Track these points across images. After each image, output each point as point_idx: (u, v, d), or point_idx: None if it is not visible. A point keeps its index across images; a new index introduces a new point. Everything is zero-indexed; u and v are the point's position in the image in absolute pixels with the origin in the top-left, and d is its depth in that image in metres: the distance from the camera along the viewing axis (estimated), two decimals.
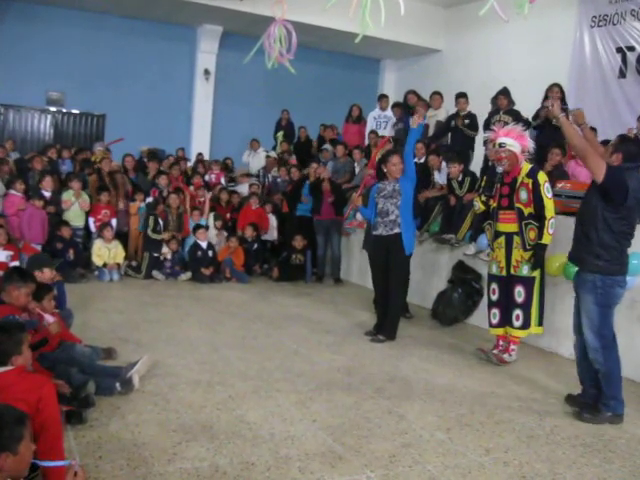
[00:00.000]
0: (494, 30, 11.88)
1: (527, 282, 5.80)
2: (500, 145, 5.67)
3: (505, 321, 5.98)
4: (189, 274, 9.28)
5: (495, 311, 6.03)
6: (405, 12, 4.98)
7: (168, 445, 3.69)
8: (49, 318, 4.68)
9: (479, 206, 6.24)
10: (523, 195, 5.64)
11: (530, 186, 5.60)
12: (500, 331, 6.06)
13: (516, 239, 5.74)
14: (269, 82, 13.91)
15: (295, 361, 5.61)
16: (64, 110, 13.88)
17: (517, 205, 5.67)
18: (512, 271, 5.82)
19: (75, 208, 9.30)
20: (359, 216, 9.35)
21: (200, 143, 14.40)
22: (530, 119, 8.60)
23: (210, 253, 9.51)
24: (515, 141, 5.66)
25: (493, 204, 5.93)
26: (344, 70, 15.69)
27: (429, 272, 8.36)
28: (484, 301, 7.44)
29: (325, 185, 9.72)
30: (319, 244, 9.97)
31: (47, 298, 4.86)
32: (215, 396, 4.57)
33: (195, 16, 13.31)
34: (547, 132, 8.29)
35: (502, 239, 5.86)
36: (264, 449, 3.75)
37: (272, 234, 10.79)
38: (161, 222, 9.47)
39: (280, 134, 13.31)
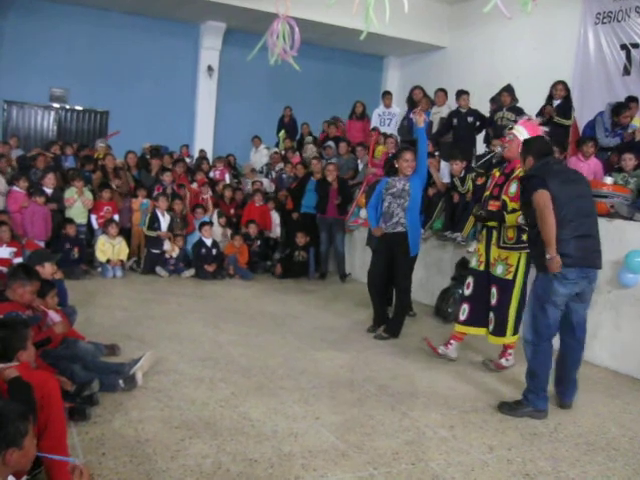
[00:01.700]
0: (498, 27, 11.85)
1: (502, 284, 5.49)
2: (509, 128, 5.49)
3: (474, 321, 5.72)
4: (192, 271, 9.27)
5: (465, 306, 5.77)
6: (409, 9, 4.95)
7: (171, 442, 3.70)
8: (54, 317, 4.69)
9: (467, 186, 6.05)
10: (512, 188, 5.36)
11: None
12: (464, 329, 5.79)
13: (494, 234, 5.52)
14: (272, 79, 13.89)
15: (298, 358, 5.62)
16: (67, 107, 13.87)
17: (503, 197, 5.41)
18: (490, 268, 5.59)
19: (78, 205, 9.32)
20: (362, 214, 9.35)
21: (203, 140, 14.38)
22: (533, 117, 8.57)
23: (214, 250, 9.51)
24: (525, 129, 5.42)
25: (486, 192, 5.69)
26: (348, 67, 15.66)
27: (432, 270, 8.36)
28: None
29: (333, 186, 9.69)
30: (322, 241, 9.97)
31: (50, 295, 4.86)
32: (218, 393, 4.58)
33: (198, 13, 13.30)
34: (550, 130, 8.24)
35: (484, 232, 5.67)
36: (267, 446, 3.75)
37: (275, 231, 10.80)
38: (161, 219, 9.46)
39: (282, 133, 13.29)
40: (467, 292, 5.77)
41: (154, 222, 9.43)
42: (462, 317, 5.77)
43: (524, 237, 5.34)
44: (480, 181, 5.94)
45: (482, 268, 5.64)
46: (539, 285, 4.58)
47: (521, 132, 5.41)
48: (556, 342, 4.78)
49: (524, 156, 4.71)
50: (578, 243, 4.42)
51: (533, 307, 4.62)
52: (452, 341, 5.86)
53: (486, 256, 5.61)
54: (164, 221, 9.49)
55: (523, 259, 5.48)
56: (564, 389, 4.88)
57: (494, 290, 5.55)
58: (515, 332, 5.64)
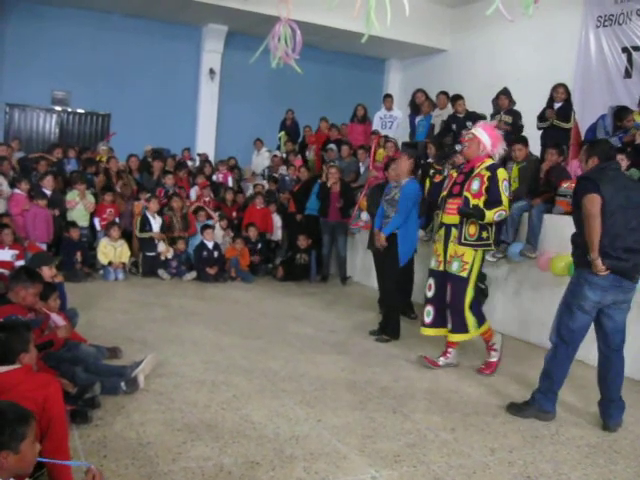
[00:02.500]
0: (499, 30, 11.86)
1: (456, 281, 5.50)
2: (468, 128, 5.50)
3: (440, 322, 5.71)
4: (194, 273, 9.28)
5: (429, 309, 5.74)
6: (410, 12, 4.96)
7: (173, 444, 3.70)
8: (57, 320, 4.69)
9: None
10: (475, 185, 5.39)
11: (485, 179, 5.36)
12: (432, 332, 5.78)
13: (454, 232, 5.50)
14: (274, 82, 13.89)
15: (300, 360, 5.62)
16: (69, 109, 13.90)
17: (465, 194, 5.41)
18: (446, 266, 5.57)
19: (80, 208, 9.33)
20: (364, 216, 9.36)
21: (205, 143, 14.41)
22: (536, 118, 8.57)
23: (215, 253, 9.51)
24: (484, 132, 5.48)
25: (444, 192, 5.68)
26: (349, 70, 15.67)
27: None
28: (488, 301, 7.45)
29: (334, 189, 9.69)
30: (324, 243, 9.97)
31: (52, 297, 4.87)
32: (220, 395, 4.58)
33: (200, 15, 13.32)
34: (550, 133, 8.28)
35: (442, 231, 5.63)
36: (269, 449, 3.75)
37: (276, 234, 10.81)
38: (152, 221, 9.46)
39: (282, 134, 13.31)
40: (429, 294, 5.73)
41: (145, 224, 9.44)
42: (428, 320, 5.75)
43: (484, 234, 5.43)
44: (437, 179, 5.97)
45: (441, 268, 5.62)
46: (570, 288, 4.54)
47: (481, 133, 5.48)
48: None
49: (587, 156, 4.56)
50: (619, 256, 4.30)
51: (561, 309, 4.58)
52: (450, 349, 5.81)
53: (444, 255, 5.60)
54: (155, 223, 9.50)
55: (479, 257, 5.51)
56: (604, 408, 4.63)
57: (449, 287, 5.57)
58: (479, 324, 5.59)
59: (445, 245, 5.59)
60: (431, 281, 5.73)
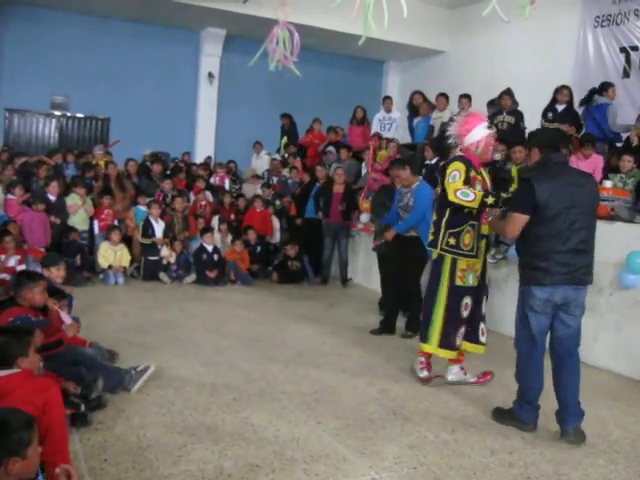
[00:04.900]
0: (498, 31, 11.86)
1: (486, 292, 5.37)
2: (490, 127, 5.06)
3: (470, 338, 5.31)
4: (194, 277, 9.28)
5: (463, 330, 5.22)
6: (408, 13, 4.97)
7: (173, 447, 3.70)
8: (66, 318, 4.72)
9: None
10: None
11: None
12: (455, 354, 5.28)
13: (487, 243, 5.30)
14: (273, 85, 13.88)
15: (300, 363, 5.62)
16: (69, 114, 13.91)
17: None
18: (481, 280, 5.27)
19: (81, 212, 9.33)
20: (363, 218, 9.35)
21: (204, 146, 14.41)
22: (541, 115, 8.58)
23: (215, 256, 9.50)
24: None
25: (490, 200, 4.97)
26: (348, 72, 15.66)
27: None
28: (488, 303, 7.44)
29: (338, 190, 9.68)
30: (326, 245, 9.91)
31: (61, 303, 4.88)
32: (220, 398, 4.58)
33: (199, 19, 13.33)
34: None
35: (483, 243, 5.18)
36: (269, 451, 3.75)
37: (275, 237, 10.81)
38: (155, 225, 9.47)
39: (284, 140, 13.31)
40: (466, 314, 5.17)
41: (148, 229, 9.44)
42: (459, 342, 5.23)
43: None
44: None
45: (477, 283, 5.22)
46: (520, 295, 4.41)
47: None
48: None
49: (529, 148, 4.46)
50: (562, 259, 4.17)
51: (516, 318, 4.46)
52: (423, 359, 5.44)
53: (482, 269, 5.25)
54: (158, 227, 9.50)
55: None
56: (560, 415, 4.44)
57: (484, 298, 5.35)
58: None
59: (485, 258, 5.27)
60: (468, 300, 5.13)
